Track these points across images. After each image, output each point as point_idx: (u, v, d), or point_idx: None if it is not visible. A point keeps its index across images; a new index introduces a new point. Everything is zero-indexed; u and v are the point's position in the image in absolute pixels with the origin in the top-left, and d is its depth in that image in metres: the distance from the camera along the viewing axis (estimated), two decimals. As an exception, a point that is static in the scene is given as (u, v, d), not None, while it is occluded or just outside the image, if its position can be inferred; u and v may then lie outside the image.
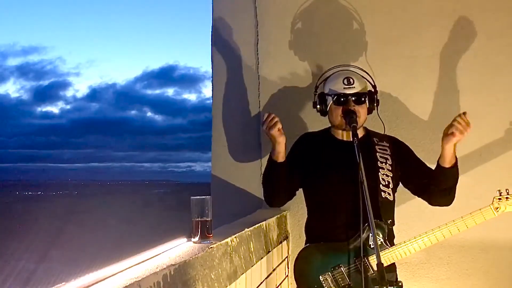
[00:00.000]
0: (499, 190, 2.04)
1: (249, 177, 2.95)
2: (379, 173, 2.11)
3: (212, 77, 3.08)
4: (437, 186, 2.14)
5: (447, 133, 2.05)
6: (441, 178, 2.12)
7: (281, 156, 2.12)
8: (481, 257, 2.70)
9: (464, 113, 2.05)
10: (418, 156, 2.27)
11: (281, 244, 2.59)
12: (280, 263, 2.56)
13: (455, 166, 2.09)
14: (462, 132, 2.02)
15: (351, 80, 2.12)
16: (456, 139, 2.03)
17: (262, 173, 2.32)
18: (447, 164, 2.07)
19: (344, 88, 2.11)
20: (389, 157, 2.17)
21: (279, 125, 2.07)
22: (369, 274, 1.99)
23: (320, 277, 2.06)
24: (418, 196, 2.23)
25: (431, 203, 2.20)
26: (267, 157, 2.91)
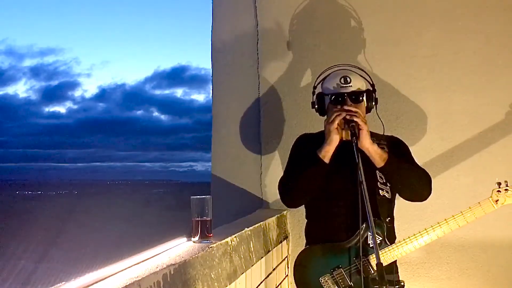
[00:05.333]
0: (498, 182, 1.99)
1: (249, 177, 2.95)
2: (376, 171, 2.11)
3: (212, 77, 3.08)
4: (402, 189, 2.08)
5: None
6: (387, 178, 2.07)
7: (328, 157, 2.03)
8: (481, 257, 2.70)
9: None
10: (414, 158, 2.23)
11: (281, 244, 2.59)
12: (280, 263, 2.56)
13: (388, 164, 1.99)
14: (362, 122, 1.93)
15: (347, 79, 2.11)
16: (364, 132, 1.94)
17: (296, 177, 2.11)
18: (378, 164, 2.01)
19: (341, 87, 2.10)
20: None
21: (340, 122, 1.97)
22: (369, 274, 1.99)
23: (320, 278, 2.05)
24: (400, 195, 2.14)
25: (405, 198, 2.12)
26: (267, 156, 2.93)
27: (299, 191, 2.11)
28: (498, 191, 1.98)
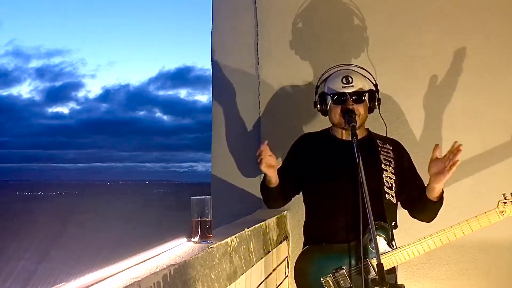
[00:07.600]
0: (504, 194, 2.00)
1: (249, 177, 2.95)
2: (383, 175, 2.11)
3: (212, 77, 3.08)
4: (421, 212, 2.17)
5: (435, 172, 2.01)
6: (426, 209, 2.14)
7: (272, 183, 2.12)
8: (481, 257, 2.70)
9: (457, 147, 2.01)
10: (414, 165, 2.25)
11: (281, 244, 2.59)
12: (280, 263, 2.56)
13: (441, 198, 2.09)
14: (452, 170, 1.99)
15: (349, 78, 2.12)
16: (448, 177, 2.00)
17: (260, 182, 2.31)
18: (434, 198, 2.08)
19: (342, 87, 2.11)
20: (392, 160, 2.15)
21: (268, 162, 2.05)
22: (370, 276, 1.98)
23: (321, 278, 2.05)
24: (404, 208, 2.22)
25: (412, 215, 2.21)
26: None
27: (264, 197, 2.30)
28: (504, 202, 2.00)
